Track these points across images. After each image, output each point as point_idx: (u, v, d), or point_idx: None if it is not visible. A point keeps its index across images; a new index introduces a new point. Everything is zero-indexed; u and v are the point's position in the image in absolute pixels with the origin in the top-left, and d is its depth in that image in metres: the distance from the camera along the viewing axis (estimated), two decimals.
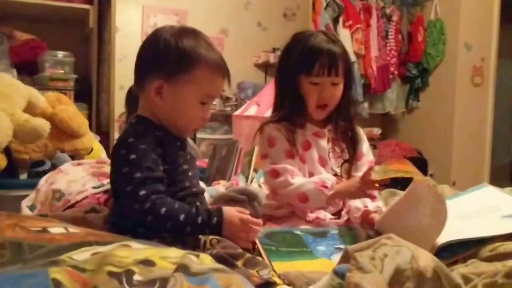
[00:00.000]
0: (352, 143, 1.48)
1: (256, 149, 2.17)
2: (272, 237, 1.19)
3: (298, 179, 1.35)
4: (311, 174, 1.41)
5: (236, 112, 3.33)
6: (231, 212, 1.03)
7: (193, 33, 1.08)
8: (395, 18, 4.27)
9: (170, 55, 1.03)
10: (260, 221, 1.07)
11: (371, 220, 1.30)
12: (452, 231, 1.10)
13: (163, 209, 0.97)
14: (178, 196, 1.06)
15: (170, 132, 1.09)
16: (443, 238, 1.04)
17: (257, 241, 1.15)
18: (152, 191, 0.98)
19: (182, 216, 0.98)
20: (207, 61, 1.05)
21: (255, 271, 0.90)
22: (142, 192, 0.97)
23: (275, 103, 1.50)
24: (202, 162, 2.67)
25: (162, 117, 1.08)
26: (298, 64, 1.38)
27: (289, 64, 1.41)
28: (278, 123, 1.43)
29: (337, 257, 1.07)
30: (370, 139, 4.18)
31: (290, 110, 1.42)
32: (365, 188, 1.28)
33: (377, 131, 4.28)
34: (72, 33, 3.69)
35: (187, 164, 1.10)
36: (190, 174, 1.10)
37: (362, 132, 1.53)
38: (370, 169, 1.27)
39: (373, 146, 4.14)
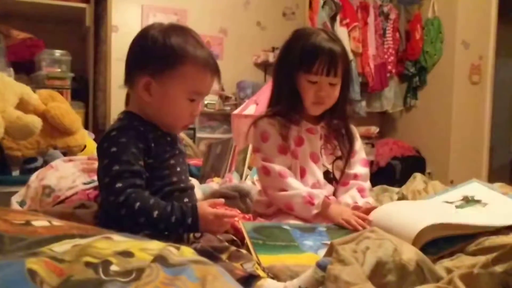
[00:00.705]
0: (347, 141, 1.47)
1: (251, 146, 2.17)
2: (260, 231, 1.19)
3: (289, 183, 1.35)
4: (302, 170, 1.41)
5: (235, 111, 3.34)
6: (204, 208, 1.02)
7: (181, 30, 1.08)
8: (392, 16, 4.26)
9: (157, 52, 1.04)
10: (233, 212, 1.07)
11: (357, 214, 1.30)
12: (440, 216, 1.10)
13: (137, 204, 0.97)
14: (165, 190, 1.06)
15: (158, 127, 1.09)
16: (431, 220, 1.04)
17: (245, 235, 1.15)
18: (128, 184, 0.98)
19: (155, 213, 0.97)
20: (195, 58, 1.05)
21: (239, 264, 0.90)
22: (118, 185, 0.98)
23: (271, 97, 1.49)
24: (199, 161, 2.67)
25: (151, 113, 1.08)
26: (297, 61, 1.36)
27: (288, 60, 1.40)
28: (272, 118, 1.43)
29: (323, 252, 1.07)
30: (368, 137, 4.18)
31: (286, 106, 1.42)
32: (354, 227, 1.24)
33: (374, 129, 4.28)
34: (69, 31, 3.70)
35: (175, 160, 1.10)
36: (178, 169, 1.10)
37: (355, 130, 1.53)
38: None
39: (371, 145, 4.14)
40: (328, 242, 1.16)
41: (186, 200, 1.08)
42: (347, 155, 1.46)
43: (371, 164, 4.06)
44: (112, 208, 0.98)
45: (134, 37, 1.10)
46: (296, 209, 1.33)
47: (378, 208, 1.26)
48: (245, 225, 1.21)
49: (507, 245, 0.78)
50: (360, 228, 1.19)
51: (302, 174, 1.41)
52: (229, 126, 3.79)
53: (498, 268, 0.64)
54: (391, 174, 3.97)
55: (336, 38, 1.40)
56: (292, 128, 1.42)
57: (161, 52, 1.03)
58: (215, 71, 1.10)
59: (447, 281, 0.72)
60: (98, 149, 1.06)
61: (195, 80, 1.07)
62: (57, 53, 3.36)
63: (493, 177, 4.04)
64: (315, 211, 1.31)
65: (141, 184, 1.01)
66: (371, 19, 4.18)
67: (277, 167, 1.37)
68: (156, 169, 1.05)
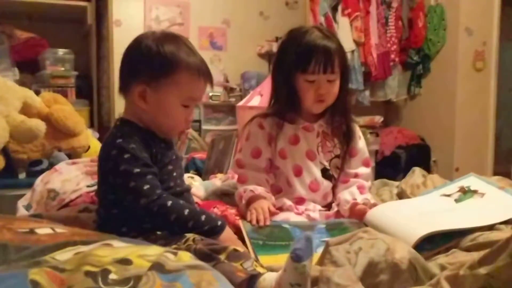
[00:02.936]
0: (346, 139, 1.47)
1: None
2: (259, 231, 1.21)
3: (243, 185, 1.40)
4: (299, 168, 1.42)
5: (240, 103, 3.35)
6: (231, 232, 1.11)
7: (174, 39, 1.11)
8: (395, 4, 4.22)
9: (151, 60, 1.06)
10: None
11: (359, 212, 1.32)
12: (436, 222, 1.12)
13: (169, 202, 1.02)
14: None
15: (156, 134, 1.12)
16: (426, 229, 1.05)
17: (245, 235, 1.17)
18: (155, 185, 1.03)
19: (186, 211, 1.03)
20: (188, 65, 1.08)
21: (238, 264, 0.92)
22: (147, 187, 1.01)
23: (271, 97, 1.51)
24: (204, 154, 2.70)
25: (148, 120, 1.11)
26: (293, 62, 1.36)
27: (284, 62, 1.40)
28: (266, 117, 1.45)
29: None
30: (372, 127, 4.17)
31: (284, 106, 1.43)
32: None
33: (378, 118, 4.26)
34: (71, 30, 3.73)
35: (172, 165, 1.13)
36: (174, 174, 1.14)
37: (358, 129, 1.52)
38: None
39: (375, 134, 4.13)
40: (328, 239, 1.18)
41: (182, 202, 1.10)
42: (344, 153, 1.46)
43: (375, 153, 4.07)
44: (144, 209, 1.01)
45: (127, 47, 1.13)
46: (237, 201, 1.40)
47: (374, 210, 1.27)
48: (244, 224, 1.23)
49: (497, 242, 0.80)
50: (254, 222, 1.24)
51: (298, 172, 1.42)
52: (235, 118, 3.81)
53: (482, 270, 0.65)
54: (396, 163, 3.97)
55: (330, 35, 1.39)
56: (288, 126, 1.43)
57: (156, 61, 1.06)
58: (208, 77, 1.13)
59: (435, 281, 0.74)
60: (103, 157, 1.08)
61: (189, 87, 1.09)
62: (61, 51, 3.39)
63: (499, 163, 4.04)
64: (241, 205, 1.37)
65: (160, 186, 1.06)
66: (373, 8, 4.14)
67: (240, 171, 1.44)
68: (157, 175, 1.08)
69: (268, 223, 1.24)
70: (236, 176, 1.92)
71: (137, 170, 1.01)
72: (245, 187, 1.38)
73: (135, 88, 1.08)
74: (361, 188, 1.43)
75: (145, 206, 1.01)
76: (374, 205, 1.35)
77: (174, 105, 1.09)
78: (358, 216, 1.31)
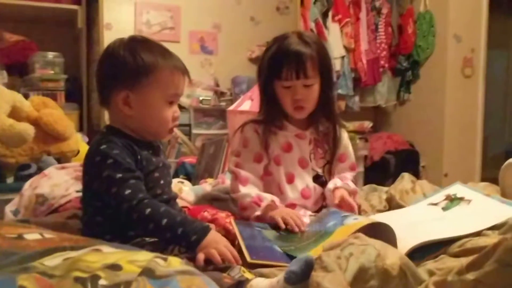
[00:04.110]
0: (334, 144, 1.48)
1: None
2: (285, 238, 1.21)
3: (247, 188, 1.38)
4: (291, 175, 1.43)
5: (231, 107, 3.35)
6: (219, 237, 1.03)
7: (145, 41, 1.13)
8: (384, 11, 4.26)
9: (129, 67, 1.07)
10: (238, 259, 1.02)
11: (337, 194, 1.35)
12: (425, 232, 1.12)
13: (148, 210, 1.00)
14: None
15: (141, 140, 1.12)
16: (416, 239, 1.06)
17: (239, 237, 1.16)
18: (137, 189, 1.02)
19: (164, 221, 0.99)
20: (164, 63, 1.10)
21: (226, 273, 0.93)
22: (128, 191, 1.01)
23: (260, 104, 1.51)
24: (194, 158, 2.70)
25: (135, 125, 1.11)
26: (267, 69, 1.38)
27: (263, 69, 1.41)
28: (258, 123, 1.45)
29: (349, 220, 1.15)
30: (361, 132, 4.20)
31: (268, 113, 1.44)
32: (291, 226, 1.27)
33: (368, 124, 4.29)
34: (61, 33, 3.70)
35: (159, 172, 1.13)
36: (161, 182, 1.14)
37: (346, 135, 1.53)
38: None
39: (365, 139, 4.16)
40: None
41: (163, 210, 1.09)
42: (331, 158, 1.48)
43: (365, 158, 4.09)
44: (125, 214, 1.01)
45: (99, 60, 1.14)
46: (246, 207, 1.37)
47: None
48: (237, 225, 1.23)
49: (485, 248, 0.81)
50: (296, 228, 1.22)
51: (290, 179, 1.43)
52: (225, 122, 3.80)
53: (470, 276, 0.66)
54: (385, 168, 3.99)
55: (309, 40, 1.38)
56: (280, 134, 1.44)
57: (133, 66, 1.07)
58: (185, 71, 1.15)
59: (424, 287, 0.75)
60: (87, 164, 1.09)
61: (170, 83, 1.11)
62: (50, 55, 3.36)
63: (487, 169, 4.08)
64: (258, 213, 1.33)
65: (145, 190, 1.04)
66: (363, 14, 4.18)
67: (243, 173, 1.40)
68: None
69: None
70: (226, 181, 1.92)
71: (119, 175, 1.01)
72: (258, 194, 1.36)
73: (117, 96, 1.08)
74: (343, 178, 1.45)
75: (126, 212, 1.00)
76: (355, 190, 1.37)
77: (160, 104, 1.10)
78: (339, 199, 1.34)
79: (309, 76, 1.35)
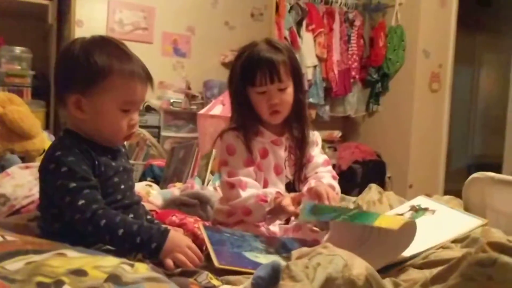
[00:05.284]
0: (302, 145, 1.48)
1: (214, 152, 2.18)
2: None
3: (247, 192, 1.37)
4: (266, 182, 1.43)
5: (202, 111, 3.34)
6: (180, 238, 1.03)
7: (104, 44, 1.08)
8: (357, 23, 4.34)
9: (81, 69, 1.03)
10: (201, 258, 1.03)
11: (314, 191, 1.34)
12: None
13: (103, 221, 0.97)
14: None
15: (99, 145, 1.09)
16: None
17: (207, 242, 1.14)
18: (91, 200, 0.99)
19: (120, 231, 0.97)
20: (120, 69, 1.05)
21: (193, 279, 0.92)
22: (81, 202, 0.98)
23: (232, 112, 1.50)
24: (163, 161, 2.67)
25: (88, 130, 1.08)
26: (241, 77, 1.38)
27: (235, 77, 1.41)
28: (237, 130, 1.45)
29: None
30: (331, 141, 4.25)
31: (243, 120, 1.43)
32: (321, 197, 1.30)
33: (337, 133, 4.36)
34: (30, 28, 3.62)
35: (118, 177, 1.10)
36: (122, 187, 1.10)
37: (316, 135, 1.54)
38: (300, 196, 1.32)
39: (333, 149, 4.21)
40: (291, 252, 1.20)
41: (131, 216, 1.07)
42: (300, 163, 1.47)
43: (333, 167, 4.13)
44: (79, 225, 0.98)
45: (58, 56, 1.10)
46: (252, 210, 1.35)
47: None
48: (205, 230, 1.22)
49: (448, 260, 0.83)
50: (325, 198, 1.27)
51: (264, 186, 1.43)
52: (195, 126, 3.78)
53: None
54: (352, 178, 4.05)
55: (280, 47, 1.40)
56: (256, 140, 1.44)
57: (85, 69, 1.03)
58: (145, 79, 1.10)
59: None
60: (43, 170, 1.05)
61: (123, 91, 1.06)
62: (18, 49, 3.28)
63: (450, 182, 4.20)
64: (267, 208, 1.33)
65: (101, 199, 1.01)
66: (336, 25, 4.24)
67: (243, 178, 1.38)
68: (100, 188, 1.04)
69: None
70: (195, 186, 1.91)
71: (73, 184, 0.98)
72: (260, 192, 1.35)
73: (69, 99, 1.05)
74: (317, 178, 1.44)
75: (80, 223, 0.98)
76: (331, 185, 1.38)
77: (112, 111, 1.06)
78: (314, 195, 1.33)
79: (282, 80, 1.37)
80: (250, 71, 1.36)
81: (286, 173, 1.47)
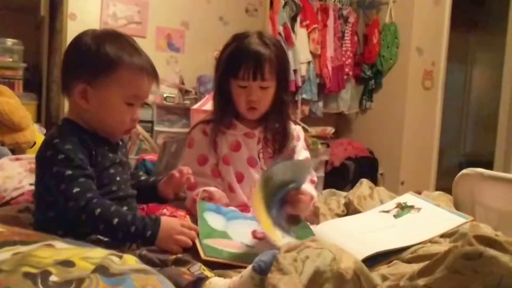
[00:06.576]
0: (283, 140, 1.46)
1: None
2: None
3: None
4: (240, 175, 1.42)
5: (195, 106, 3.33)
6: (173, 224, 1.04)
7: (116, 37, 1.09)
8: (351, 19, 4.34)
9: (91, 59, 1.04)
10: (197, 229, 1.07)
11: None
12: (378, 241, 1.15)
13: (98, 210, 0.97)
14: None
15: (98, 135, 1.09)
16: (369, 249, 1.08)
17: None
18: (86, 188, 0.99)
19: (115, 221, 0.98)
20: (130, 63, 1.06)
21: (185, 268, 0.92)
22: (76, 190, 0.98)
23: (213, 101, 1.49)
24: (155, 156, 2.66)
25: (90, 120, 1.08)
26: (225, 66, 1.37)
27: (221, 65, 1.40)
28: (208, 124, 1.44)
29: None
30: (324, 137, 4.26)
31: (220, 111, 1.42)
32: None
33: (330, 130, 4.36)
34: (22, 20, 3.59)
35: (114, 169, 1.10)
36: (117, 178, 1.11)
37: (297, 130, 1.52)
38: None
39: (326, 145, 4.22)
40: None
41: (125, 208, 1.08)
42: (275, 154, 1.44)
43: (325, 163, 4.14)
44: (72, 213, 0.98)
45: (68, 45, 1.10)
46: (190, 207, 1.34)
47: (316, 228, 1.28)
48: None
49: (436, 255, 0.83)
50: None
51: (240, 179, 1.42)
52: (188, 121, 3.77)
53: (421, 282, 0.68)
54: (344, 174, 4.06)
55: (270, 42, 1.37)
56: (228, 133, 1.43)
57: (95, 59, 1.04)
58: (152, 76, 1.11)
59: None
60: (39, 157, 1.05)
61: (131, 84, 1.07)
62: (9, 41, 3.26)
63: (442, 179, 4.22)
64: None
65: (95, 188, 1.02)
66: (330, 22, 4.24)
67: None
68: (96, 178, 1.05)
69: None
70: None
71: (69, 172, 0.99)
72: (197, 190, 1.35)
73: (76, 88, 1.05)
74: None
75: (74, 211, 0.98)
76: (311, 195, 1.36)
77: (117, 104, 1.07)
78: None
79: (266, 78, 1.35)
80: (235, 62, 1.34)
81: (262, 165, 1.45)
